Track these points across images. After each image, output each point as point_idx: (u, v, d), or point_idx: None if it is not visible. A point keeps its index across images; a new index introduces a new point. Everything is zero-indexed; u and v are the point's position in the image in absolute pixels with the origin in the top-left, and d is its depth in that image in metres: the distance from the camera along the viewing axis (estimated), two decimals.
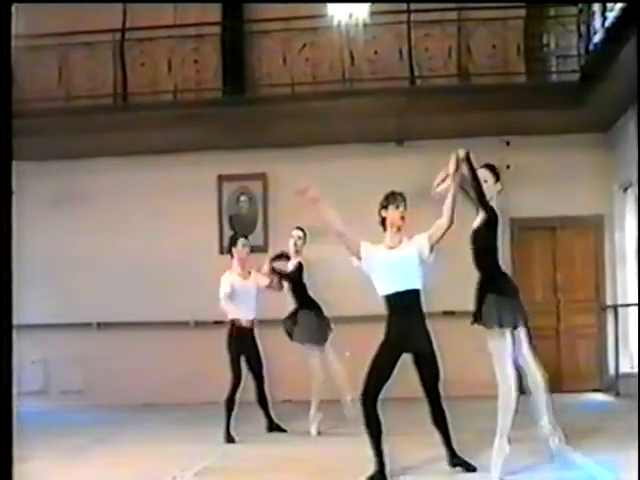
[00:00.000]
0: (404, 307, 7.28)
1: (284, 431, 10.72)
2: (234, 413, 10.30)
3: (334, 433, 10.33)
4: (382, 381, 7.30)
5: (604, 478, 6.91)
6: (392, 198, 7.48)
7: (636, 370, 13.71)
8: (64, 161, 15.68)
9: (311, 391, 10.48)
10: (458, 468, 7.34)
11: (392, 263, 7.28)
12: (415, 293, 7.31)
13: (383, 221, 7.53)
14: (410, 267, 7.26)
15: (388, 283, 7.31)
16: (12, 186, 3.43)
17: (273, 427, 10.79)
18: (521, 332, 7.10)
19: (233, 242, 10.90)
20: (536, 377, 7.27)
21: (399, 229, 7.43)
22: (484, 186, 7.11)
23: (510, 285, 7.21)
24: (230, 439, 10.13)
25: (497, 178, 7.34)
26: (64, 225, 15.74)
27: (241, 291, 10.57)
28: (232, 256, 10.83)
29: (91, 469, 8.44)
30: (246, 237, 10.99)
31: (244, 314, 10.58)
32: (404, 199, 7.48)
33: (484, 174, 7.22)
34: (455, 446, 7.44)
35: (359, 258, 7.41)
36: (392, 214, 7.43)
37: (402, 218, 7.40)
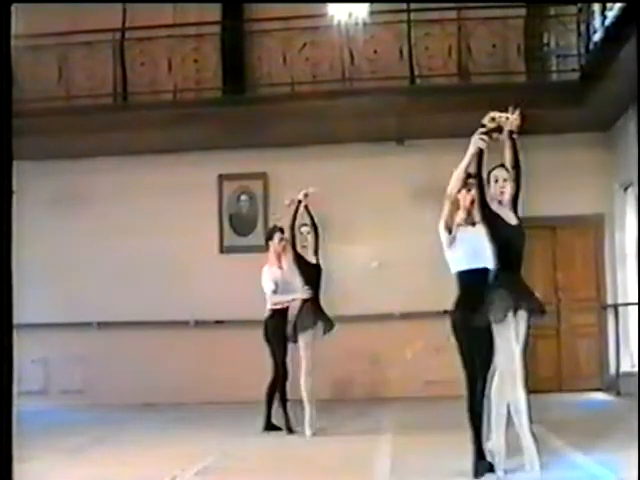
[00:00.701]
0: (476, 284, 7.12)
1: (279, 429, 10.64)
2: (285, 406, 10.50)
3: (331, 433, 10.29)
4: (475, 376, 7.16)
5: (605, 477, 6.90)
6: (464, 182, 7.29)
7: (636, 369, 13.72)
8: (64, 161, 15.67)
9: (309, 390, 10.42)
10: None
11: (468, 240, 7.22)
12: (487, 272, 7.21)
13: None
14: (484, 245, 7.17)
15: (464, 259, 7.24)
16: (13, 186, 3.42)
17: (269, 427, 10.73)
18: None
19: (270, 235, 11.11)
20: (519, 401, 6.90)
21: (469, 212, 7.30)
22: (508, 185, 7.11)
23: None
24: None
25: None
26: (64, 224, 15.73)
27: (282, 283, 10.74)
28: (267, 248, 11.03)
29: (91, 469, 8.43)
30: (282, 231, 11.02)
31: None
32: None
33: (503, 174, 7.18)
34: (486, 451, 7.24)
35: (450, 231, 7.29)
36: (463, 197, 7.30)
37: (472, 202, 7.26)
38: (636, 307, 13.86)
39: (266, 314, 10.74)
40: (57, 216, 15.72)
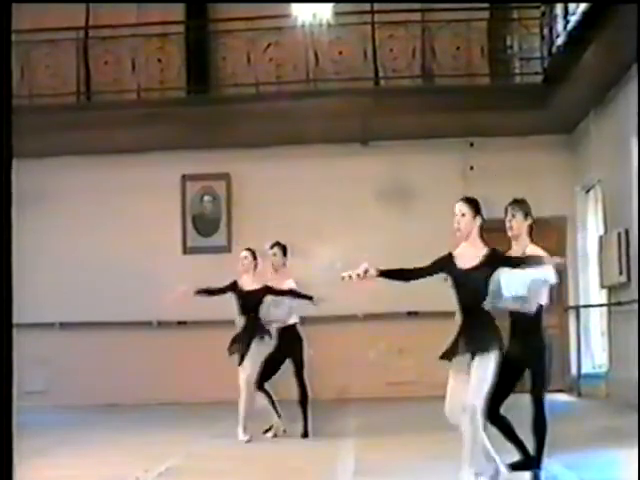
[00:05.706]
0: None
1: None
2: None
3: (295, 434, 10.23)
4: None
5: (566, 478, 6.94)
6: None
7: (598, 370, 13.86)
8: (26, 159, 15.42)
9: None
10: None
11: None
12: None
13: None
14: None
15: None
16: (11, 185, 3.38)
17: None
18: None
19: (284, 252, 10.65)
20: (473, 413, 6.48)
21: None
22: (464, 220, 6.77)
23: None
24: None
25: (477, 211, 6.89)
26: (25, 224, 15.55)
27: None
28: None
29: (55, 471, 8.37)
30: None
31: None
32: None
33: (461, 207, 6.77)
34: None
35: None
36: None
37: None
38: (597, 309, 14.02)
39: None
40: (18, 215, 15.56)
